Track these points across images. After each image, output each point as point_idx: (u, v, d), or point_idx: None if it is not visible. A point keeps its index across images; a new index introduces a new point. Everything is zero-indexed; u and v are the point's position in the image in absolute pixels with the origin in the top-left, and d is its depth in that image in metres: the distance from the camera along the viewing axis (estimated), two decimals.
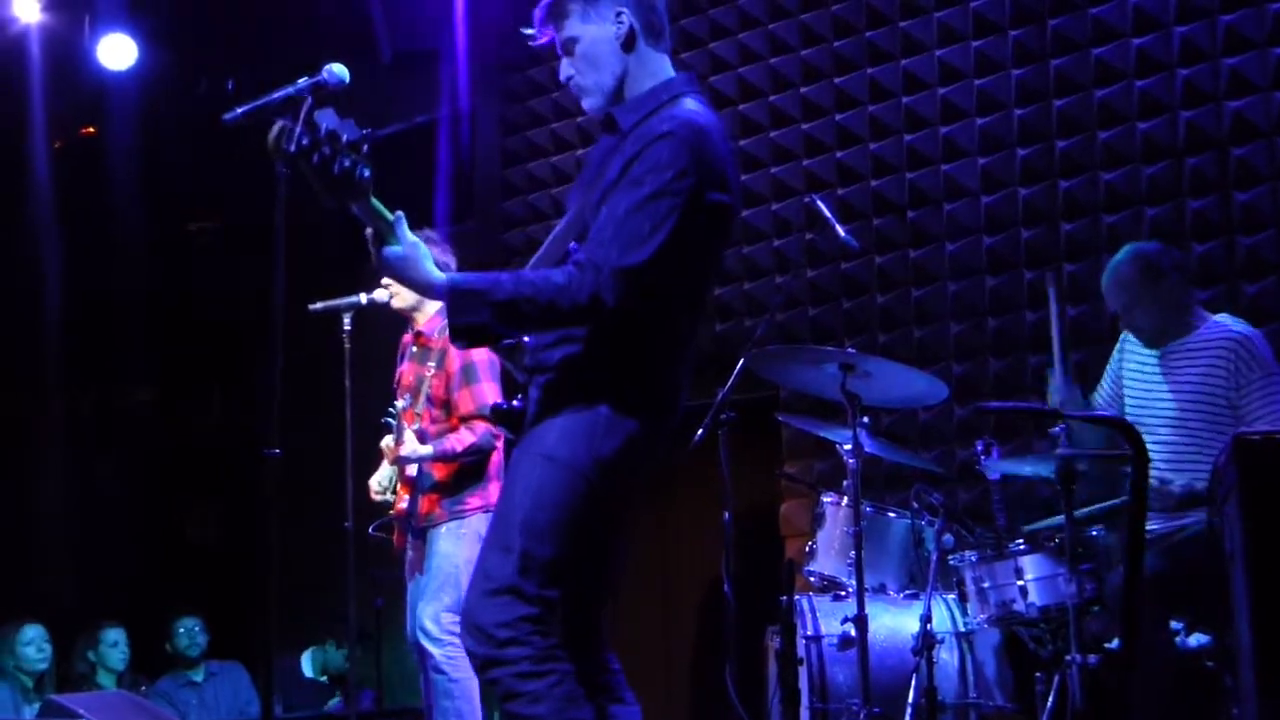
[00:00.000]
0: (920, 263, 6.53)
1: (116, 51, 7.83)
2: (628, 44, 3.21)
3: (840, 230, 5.31)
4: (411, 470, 5.26)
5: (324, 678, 7.21)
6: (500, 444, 5.14)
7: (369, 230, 3.06)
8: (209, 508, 9.83)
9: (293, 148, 2.88)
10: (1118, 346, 4.90)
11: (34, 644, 7.21)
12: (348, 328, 5.37)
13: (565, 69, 3.27)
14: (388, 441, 5.23)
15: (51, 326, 8.96)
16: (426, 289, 3.07)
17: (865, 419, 4.93)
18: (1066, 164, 6.14)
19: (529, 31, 3.33)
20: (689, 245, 3.03)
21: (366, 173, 2.97)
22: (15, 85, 8.06)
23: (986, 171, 6.35)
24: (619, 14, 3.19)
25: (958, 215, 6.43)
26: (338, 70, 3.22)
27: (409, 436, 5.20)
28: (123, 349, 9.27)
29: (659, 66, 3.25)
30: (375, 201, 3.02)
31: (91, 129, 8.84)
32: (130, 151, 8.50)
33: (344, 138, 2.94)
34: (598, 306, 2.95)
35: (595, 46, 3.21)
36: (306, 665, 7.51)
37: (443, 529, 5.16)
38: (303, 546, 6.41)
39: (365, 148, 2.97)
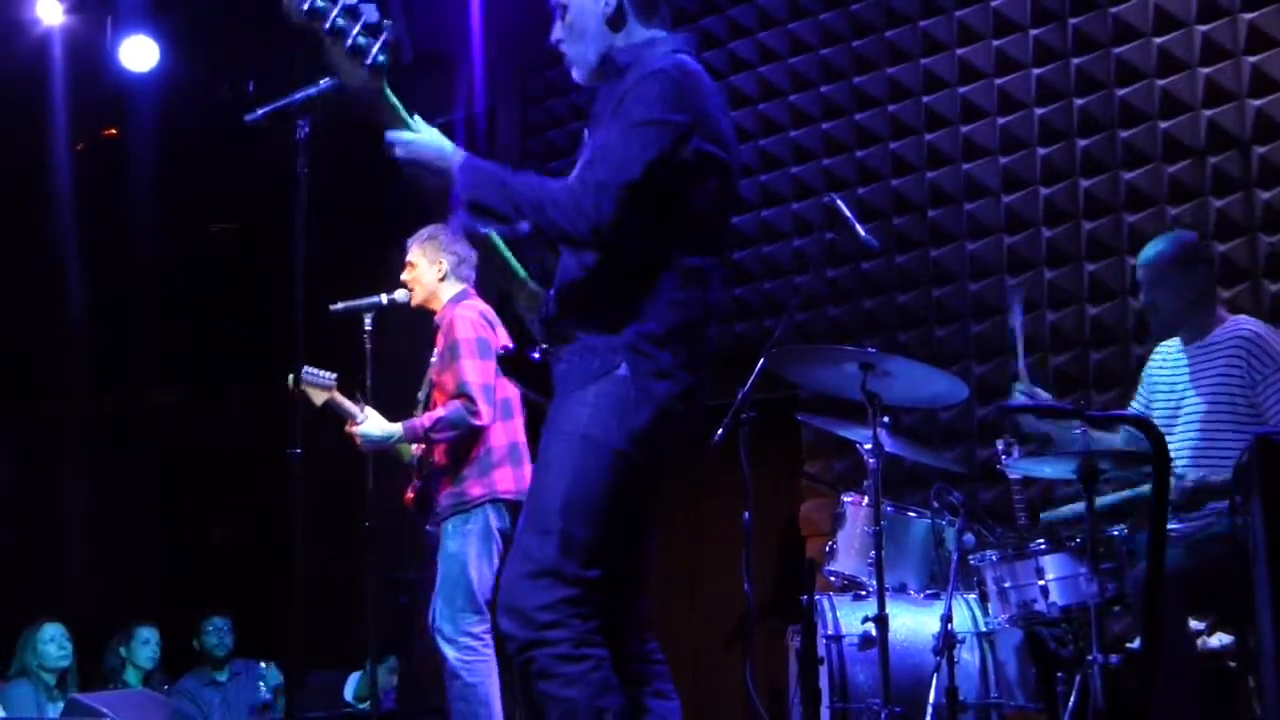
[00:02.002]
0: (940, 262, 6.53)
1: (138, 53, 7.87)
2: (615, 22, 3.17)
3: (860, 230, 5.30)
4: (408, 455, 5.29)
5: (364, 705, 7.24)
6: (497, 425, 5.11)
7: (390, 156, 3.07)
8: (232, 508, 9.87)
9: (305, 6, 2.88)
10: (1150, 358, 4.89)
11: (55, 641, 7.24)
12: (369, 328, 5.38)
13: (556, 32, 3.25)
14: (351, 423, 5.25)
15: (75, 328, 9.01)
16: (441, 163, 3.06)
17: (886, 418, 4.91)
18: (1087, 163, 6.13)
19: None
20: (680, 185, 3.01)
21: (381, 58, 2.95)
22: (38, 87, 8.10)
23: (1007, 171, 6.34)
24: None
25: (978, 215, 6.42)
26: None
27: (370, 414, 5.19)
28: (145, 350, 9.32)
29: (652, 40, 3.20)
30: (390, 94, 3.01)
31: (113, 131, 8.88)
32: (152, 153, 8.54)
33: (363, 16, 2.93)
34: (591, 216, 2.94)
35: (582, 18, 3.19)
36: (349, 689, 7.55)
37: (449, 526, 5.11)
38: (325, 545, 6.44)
39: (385, 34, 2.95)
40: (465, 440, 5.09)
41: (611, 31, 3.17)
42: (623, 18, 3.17)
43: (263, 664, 7.72)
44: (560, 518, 2.97)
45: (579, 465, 2.99)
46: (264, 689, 7.62)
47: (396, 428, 5.16)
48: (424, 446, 5.24)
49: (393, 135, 3.06)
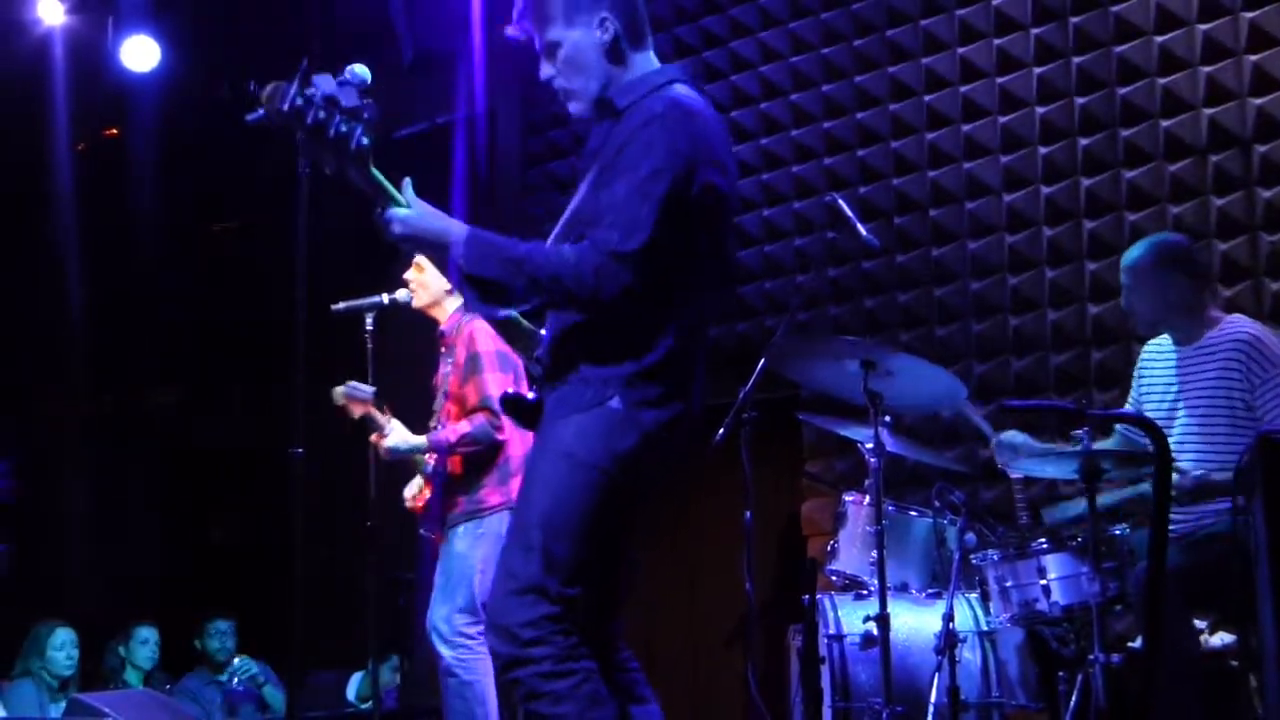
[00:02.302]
0: (942, 261, 6.52)
1: (139, 53, 7.86)
2: (612, 52, 3.19)
3: (861, 229, 5.29)
4: (420, 465, 5.30)
5: (366, 704, 7.24)
6: (515, 435, 5.12)
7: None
8: (232, 508, 9.87)
9: (285, 107, 2.89)
10: (1141, 356, 4.87)
11: (64, 650, 7.20)
12: (370, 328, 5.39)
13: (546, 69, 3.26)
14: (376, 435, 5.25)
15: (75, 328, 9.01)
16: (442, 238, 3.08)
17: (887, 418, 4.90)
18: (1089, 162, 6.12)
19: (510, 30, 3.32)
20: (688, 227, 3.04)
21: (365, 141, 2.96)
22: (39, 87, 8.11)
23: (1008, 169, 6.34)
24: (602, 20, 3.17)
25: (979, 214, 6.42)
26: (359, 71, 3.23)
27: (395, 426, 5.22)
28: (145, 350, 9.32)
29: (645, 63, 3.23)
30: (376, 172, 3.01)
31: (114, 131, 8.88)
32: (152, 153, 8.54)
33: (341, 103, 2.93)
34: (601, 286, 2.96)
35: (579, 53, 3.20)
36: (352, 689, 7.54)
37: (460, 529, 5.14)
38: (325, 545, 6.43)
39: (366, 115, 2.96)
40: (485, 450, 5.12)
41: (610, 63, 3.19)
42: (619, 46, 3.19)
43: (238, 658, 7.72)
44: (541, 534, 2.99)
45: (562, 483, 3.01)
46: (236, 682, 7.62)
47: (421, 440, 5.20)
48: (438, 455, 5.27)
49: (390, 214, 3.07)
